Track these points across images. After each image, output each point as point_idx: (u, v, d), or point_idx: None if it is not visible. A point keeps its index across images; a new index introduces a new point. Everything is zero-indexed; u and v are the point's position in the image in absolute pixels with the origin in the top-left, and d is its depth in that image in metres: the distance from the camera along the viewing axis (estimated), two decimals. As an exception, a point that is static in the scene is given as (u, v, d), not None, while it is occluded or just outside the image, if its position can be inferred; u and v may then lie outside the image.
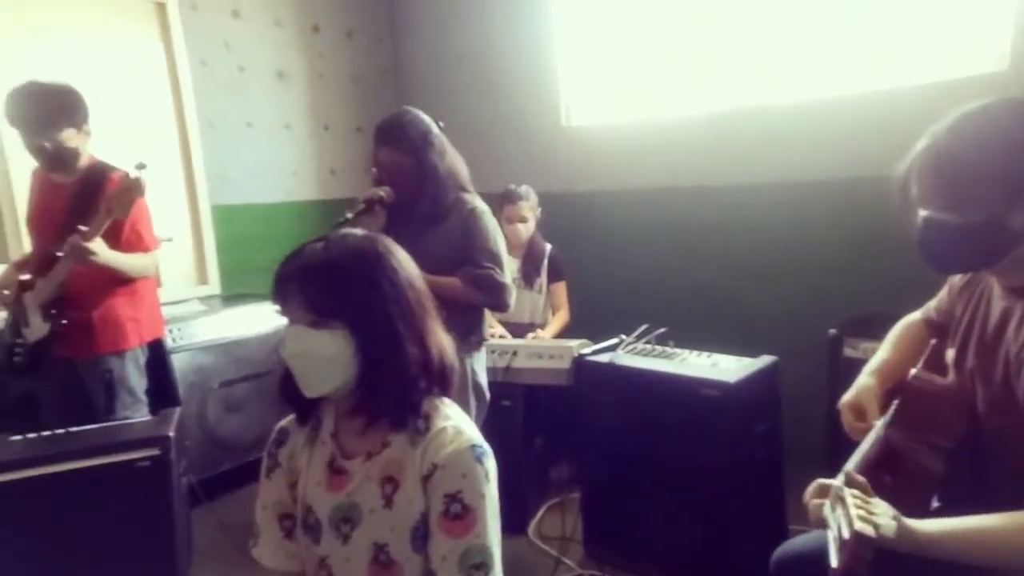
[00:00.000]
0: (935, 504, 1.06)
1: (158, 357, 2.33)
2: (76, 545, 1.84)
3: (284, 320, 0.99)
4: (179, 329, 2.68)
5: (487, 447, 0.99)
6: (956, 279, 1.24)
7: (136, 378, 2.16)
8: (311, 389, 0.97)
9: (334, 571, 1.00)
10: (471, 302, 1.87)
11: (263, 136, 3.48)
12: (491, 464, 0.98)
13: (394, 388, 0.96)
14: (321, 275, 0.94)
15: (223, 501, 2.66)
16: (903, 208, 1.07)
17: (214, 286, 3.30)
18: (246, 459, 2.81)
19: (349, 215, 1.84)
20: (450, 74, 3.75)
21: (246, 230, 3.41)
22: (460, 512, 0.93)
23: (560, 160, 3.35)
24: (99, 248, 1.90)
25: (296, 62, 3.59)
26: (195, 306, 3.01)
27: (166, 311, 2.62)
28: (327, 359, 0.94)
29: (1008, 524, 0.93)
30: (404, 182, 1.86)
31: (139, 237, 2.08)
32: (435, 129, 1.92)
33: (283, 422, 1.10)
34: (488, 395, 2.00)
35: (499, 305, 1.94)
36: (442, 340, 1.03)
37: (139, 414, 2.15)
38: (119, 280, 2.07)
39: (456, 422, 1.00)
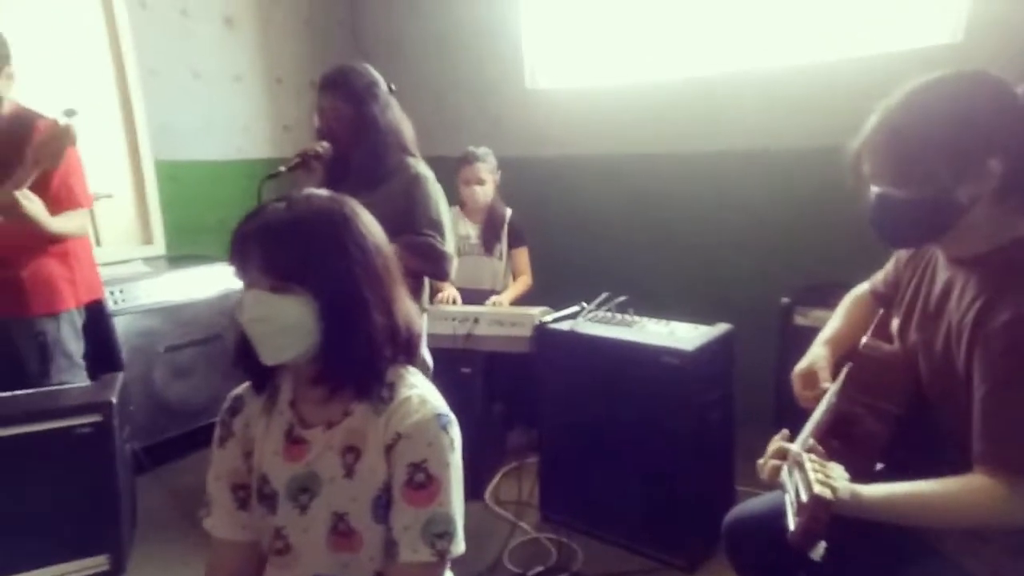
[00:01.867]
0: (878, 467, 1.10)
1: (97, 320, 2.21)
2: (16, 513, 1.77)
3: (234, 283, 0.94)
4: (121, 291, 2.55)
5: (452, 416, 0.97)
6: (903, 251, 1.26)
7: (73, 341, 2.05)
8: (270, 356, 0.93)
9: (291, 541, 0.98)
10: (411, 269, 1.83)
11: (211, 88, 3.29)
12: (456, 433, 0.97)
13: (359, 357, 0.93)
14: (285, 237, 0.89)
15: (170, 468, 2.59)
16: (856, 184, 1.08)
17: (159, 246, 3.14)
18: (194, 425, 2.73)
19: (282, 168, 1.79)
20: (410, 29, 3.60)
21: (193, 188, 3.24)
22: (424, 481, 0.92)
23: (523, 123, 3.29)
24: (28, 203, 1.76)
25: (245, 7, 3.38)
26: (139, 267, 2.86)
27: (108, 272, 2.49)
28: (288, 325, 0.90)
29: (944, 489, 0.97)
30: (342, 131, 1.81)
31: (70, 192, 1.94)
32: (383, 85, 1.88)
33: (238, 390, 1.06)
34: (431, 363, 1.97)
35: (439, 274, 1.91)
36: (409, 308, 0.99)
37: (77, 379, 2.05)
38: (49, 238, 1.94)
39: (421, 391, 0.98)
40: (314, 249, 0.90)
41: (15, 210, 1.74)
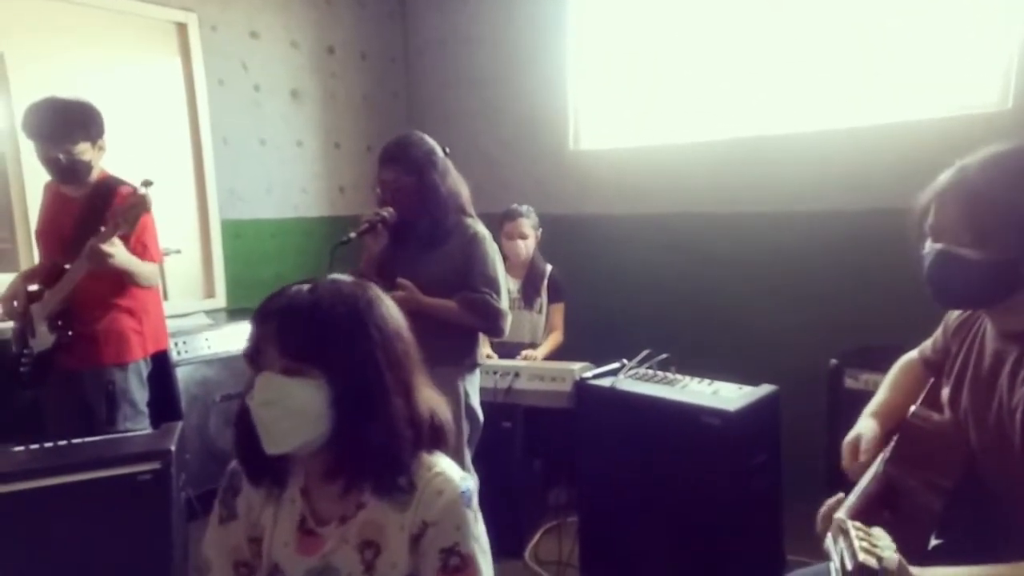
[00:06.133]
0: (934, 542, 1.06)
1: (161, 370, 2.34)
2: (76, 558, 1.84)
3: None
4: (184, 342, 2.70)
5: (471, 484, 0.96)
6: (952, 317, 1.24)
7: (138, 390, 2.18)
8: (275, 444, 0.89)
9: None
10: (467, 325, 1.89)
11: (275, 153, 3.54)
12: (476, 503, 0.96)
13: (377, 445, 0.89)
14: (304, 318, 0.88)
15: (221, 516, 2.65)
16: (918, 238, 1.07)
17: (220, 299, 3.33)
18: (245, 474, 2.80)
19: (352, 234, 1.87)
20: (460, 97, 3.81)
21: (254, 245, 3.44)
22: (459, 564, 0.92)
23: (566, 183, 3.38)
24: (116, 251, 1.93)
25: (310, 82, 3.66)
26: (201, 319, 3.03)
27: (174, 324, 2.64)
28: (298, 410, 0.88)
29: (1011, 574, 0.92)
30: (406, 200, 1.89)
31: (144, 249, 2.11)
32: (439, 151, 1.96)
33: (234, 464, 1.02)
34: (481, 418, 2.01)
35: (494, 330, 1.95)
36: (430, 396, 0.98)
37: (140, 426, 2.16)
38: (124, 292, 2.09)
39: (441, 467, 0.96)
40: (334, 331, 0.89)
41: (106, 261, 1.91)
